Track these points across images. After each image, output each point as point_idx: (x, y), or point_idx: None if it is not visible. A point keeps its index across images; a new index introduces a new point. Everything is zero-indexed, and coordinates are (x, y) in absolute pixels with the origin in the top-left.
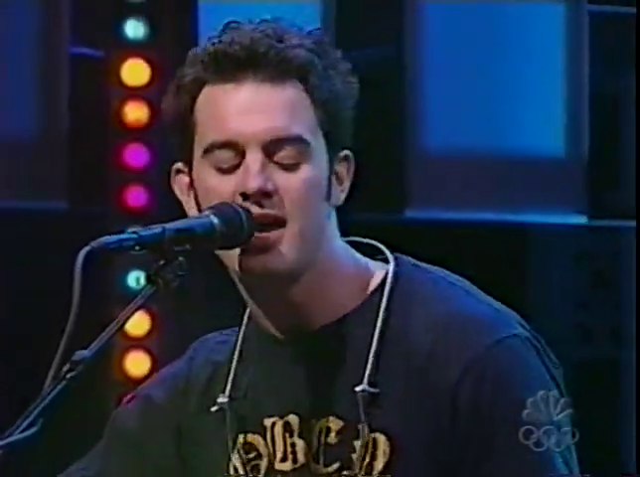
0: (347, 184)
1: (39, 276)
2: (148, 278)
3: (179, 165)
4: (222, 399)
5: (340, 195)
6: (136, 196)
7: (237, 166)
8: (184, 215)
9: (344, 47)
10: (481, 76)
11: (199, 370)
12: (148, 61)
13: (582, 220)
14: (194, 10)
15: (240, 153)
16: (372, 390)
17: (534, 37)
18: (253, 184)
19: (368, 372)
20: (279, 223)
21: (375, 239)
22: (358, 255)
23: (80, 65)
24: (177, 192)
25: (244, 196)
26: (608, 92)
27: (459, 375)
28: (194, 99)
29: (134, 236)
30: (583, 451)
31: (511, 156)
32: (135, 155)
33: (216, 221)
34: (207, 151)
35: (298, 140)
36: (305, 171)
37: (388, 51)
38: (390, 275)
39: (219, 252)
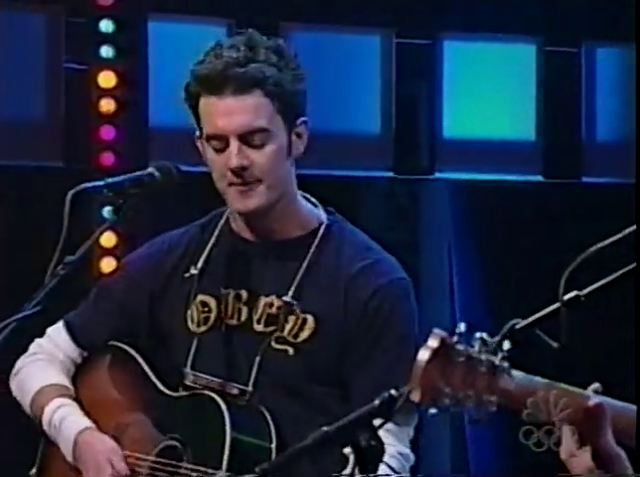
0: (305, 138)
1: (40, 220)
2: (114, 211)
3: (199, 136)
4: (193, 271)
5: (300, 147)
6: (107, 159)
7: (225, 148)
8: (137, 174)
9: None
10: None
11: (173, 246)
12: (115, 72)
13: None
14: (144, 30)
15: (226, 141)
16: (309, 290)
17: None
18: (234, 162)
19: (304, 274)
20: (257, 181)
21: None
22: (305, 201)
23: (72, 74)
24: (200, 149)
25: (230, 170)
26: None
27: (369, 295)
28: (197, 102)
29: (104, 183)
30: None
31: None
32: (107, 132)
33: (157, 173)
34: (207, 139)
35: (261, 130)
36: (268, 148)
37: None
38: (328, 220)
39: (222, 194)
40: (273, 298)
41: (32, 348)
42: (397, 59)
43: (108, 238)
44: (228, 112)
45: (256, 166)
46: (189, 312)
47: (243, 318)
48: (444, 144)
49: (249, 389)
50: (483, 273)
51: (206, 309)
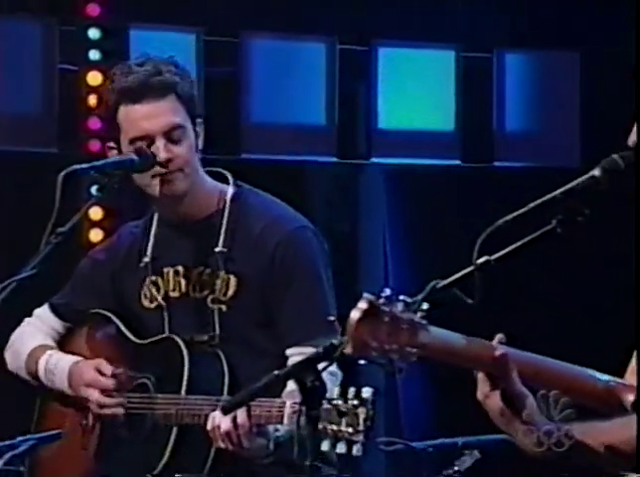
0: (202, 135)
1: (38, 196)
2: (99, 189)
3: (111, 144)
4: (146, 260)
5: (200, 142)
6: (94, 146)
7: (149, 147)
8: (119, 158)
9: None
10: None
11: (124, 240)
12: (101, 72)
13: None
14: (126, 37)
15: (151, 140)
16: (224, 250)
17: None
18: (163, 156)
19: (222, 242)
20: (179, 170)
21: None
22: (214, 181)
23: (65, 74)
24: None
25: (158, 163)
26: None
27: (274, 246)
28: (116, 111)
29: (91, 166)
30: None
31: None
32: (94, 123)
33: (135, 157)
34: (131, 141)
35: (180, 127)
36: (185, 143)
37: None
38: (236, 190)
39: (143, 187)
40: (201, 268)
41: (22, 325)
42: (339, 62)
43: (95, 212)
44: (151, 115)
45: (179, 158)
46: (144, 292)
47: (183, 289)
48: (379, 134)
49: (207, 336)
50: (412, 242)
51: (155, 288)
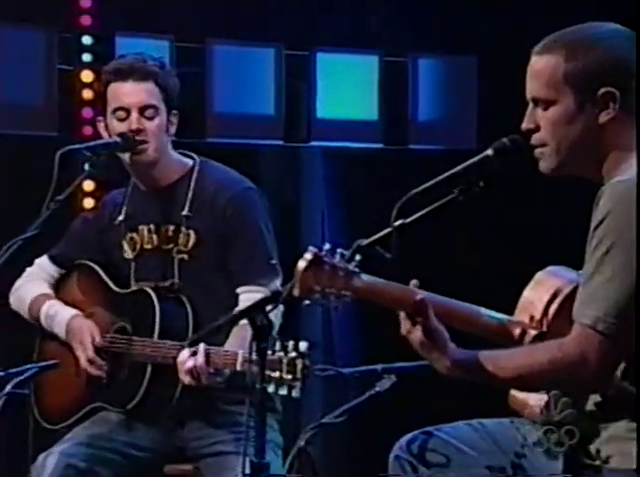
0: (175, 124)
1: (40, 171)
2: (90, 165)
3: (100, 118)
4: (120, 218)
5: (172, 129)
6: (87, 131)
7: (126, 118)
8: (106, 141)
9: None
10: None
11: (109, 204)
12: (93, 71)
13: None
14: (113, 43)
15: (128, 112)
16: (189, 214)
17: None
18: (134, 125)
19: (188, 204)
20: (147, 142)
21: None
22: (180, 156)
23: (63, 73)
24: (100, 129)
25: (131, 130)
26: None
27: (225, 203)
28: (106, 88)
29: (84, 146)
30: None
31: None
32: (87, 112)
33: (119, 140)
34: (114, 111)
35: (153, 106)
36: (156, 120)
37: None
38: (197, 163)
39: (122, 158)
40: (169, 226)
41: (25, 273)
42: (285, 64)
43: (88, 184)
44: (132, 92)
45: (148, 131)
46: (123, 245)
47: (155, 243)
48: (317, 122)
49: (170, 282)
50: (344, 210)
51: (132, 242)
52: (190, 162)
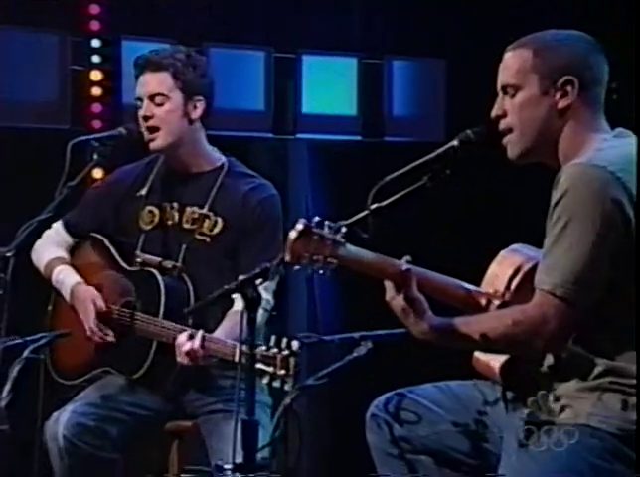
0: (200, 109)
1: (54, 160)
2: (99, 154)
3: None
4: (142, 192)
5: (193, 114)
6: (96, 124)
7: (141, 106)
8: (112, 133)
9: None
10: None
11: (125, 177)
12: (102, 70)
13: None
14: (119, 45)
15: (142, 101)
16: (215, 202)
17: None
18: (142, 112)
19: (218, 194)
20: (156, 129)
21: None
22: (213, 148)
23: (75, 72)
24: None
25: (142, 117)
26: None
27: (256, 204)
28: (137, 79)
29: (93, 137)
30: None
31: None
32: (96, 107)
33: (124, 131)
34: (135, 100)
35: (161, 95)
36: (166, 106)
37: None
38: (227, 160)
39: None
40: (195, 208)
41: (44, 235)
42: (275, 65)
43: (97, 171)
44: (144, 83)
45: (156, 117)
46: (140, 217)
47: (176, 219)
48: (303, 117)
49: (179, 264)
50: (327, 196)
51: (151, 214)
52: (221, 158)
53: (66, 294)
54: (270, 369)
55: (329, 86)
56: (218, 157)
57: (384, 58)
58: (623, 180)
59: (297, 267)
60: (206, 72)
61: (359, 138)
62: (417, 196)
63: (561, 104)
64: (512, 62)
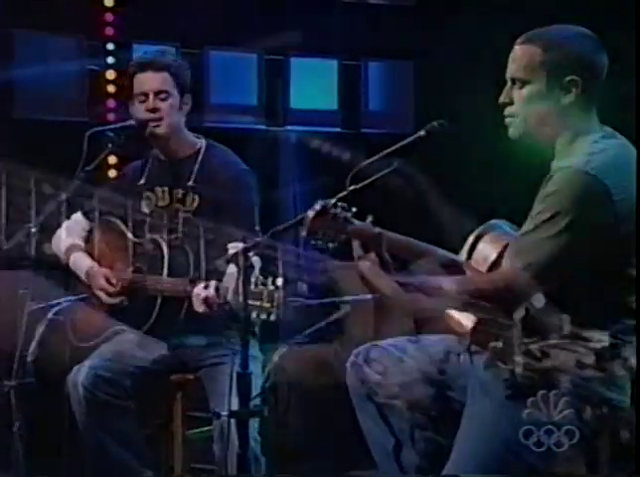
0: (189, 105)
1: (74, 147)
2: (113, 143)
3: (132, 101)
4: (141, 182)
5: (185, 109)
6: (110, 117)
7: (145, 100)
8: (124, 124)
9: None
10: None
11: (130, 172)
12: (115, 71)
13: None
14: (131, 49)
15: (146, 96)
16: (194, 184)
17: None
18: (151, 104)
19: (195, 174)
20: (160, 118)
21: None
22: (193, 135)
23: (92, 72)
24: (130, 109)
25: (148, 109)
26: None
27: (228, 178)
28: (132, 78)
29: (107, 128)
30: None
31: None
32: (110, 103)
33: (134, 123)
34: (135, 96)
35: (165, 92)
36: (169, 101)
37: None
38: (205, 143)
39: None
40: (179, 190)
41: (63, 224)
42: (266, 66)
43: (111, 158)
44: (149, 80)
45: (162, 110)
46: (142, 202)
47: (167, 201)
48: (291, 111)
49: (175, 236)
50: (311, 181)
51: (149, 199)
52: (199, 142)
53: (81, 275)
54: (258, 303)
55: (313, 85)
56: (196, 141)
57: (361, 60)
58: (609, 187)
59: (313, 242)
60: (190, 73)
61: (339, 130)
62: (389, 178)
63: (564, 101)
64: (521, 56)
